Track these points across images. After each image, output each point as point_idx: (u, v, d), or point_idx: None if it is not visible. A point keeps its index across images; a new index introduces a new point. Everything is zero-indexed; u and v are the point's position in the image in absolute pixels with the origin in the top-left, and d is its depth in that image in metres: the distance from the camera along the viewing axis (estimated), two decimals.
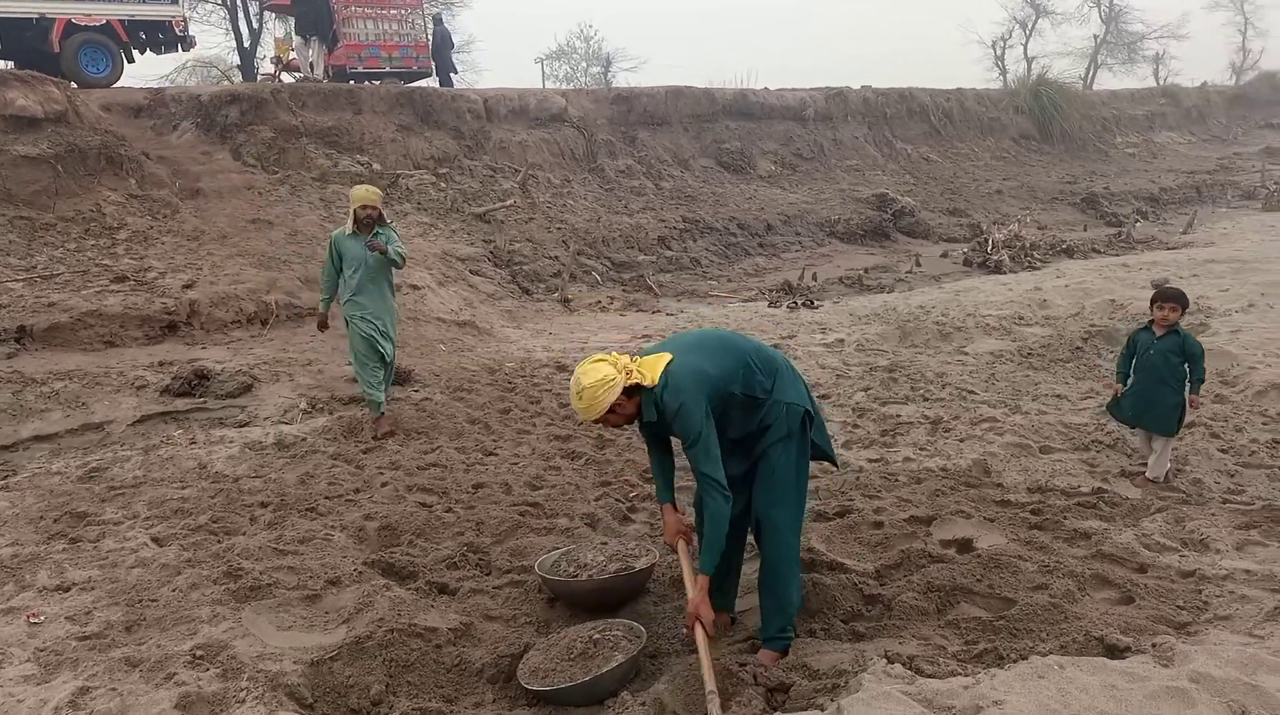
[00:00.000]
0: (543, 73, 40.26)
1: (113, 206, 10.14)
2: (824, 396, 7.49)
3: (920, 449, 6.13)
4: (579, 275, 13.38)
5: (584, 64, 43.05)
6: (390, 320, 6.93)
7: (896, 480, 5.54)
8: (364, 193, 6.74)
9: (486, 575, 4.42)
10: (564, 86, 33.14)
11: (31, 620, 3.81)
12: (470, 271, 12.34)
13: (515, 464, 6.07)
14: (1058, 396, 7.21)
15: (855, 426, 6.73)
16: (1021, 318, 9.93)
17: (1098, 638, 3.31)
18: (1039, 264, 14.81)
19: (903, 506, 5.02)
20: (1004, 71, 40.34)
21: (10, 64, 13.35)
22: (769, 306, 11.87)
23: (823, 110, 21.46)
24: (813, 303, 11.81)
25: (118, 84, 14.45)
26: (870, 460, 6.03)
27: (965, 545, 4.46)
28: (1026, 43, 40.90)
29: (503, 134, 16.05)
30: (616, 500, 5.35)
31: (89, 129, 10.79)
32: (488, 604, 4.06)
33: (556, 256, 13.52)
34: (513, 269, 12.96)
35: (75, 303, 8.43)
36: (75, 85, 12.14)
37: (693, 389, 3.27)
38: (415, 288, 10.82)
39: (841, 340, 9.39)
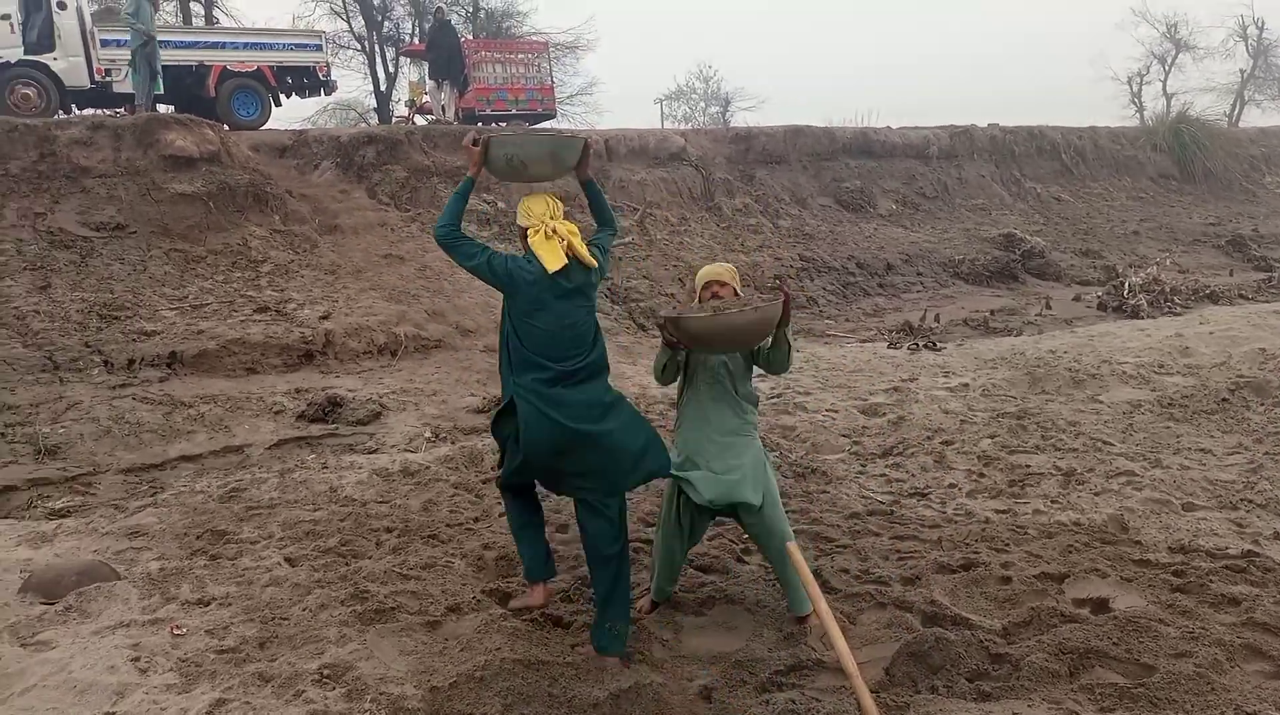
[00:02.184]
0: (661, 113, 40.95)
1: (258, 241, 10.78)
2: (947, 442, 7.26)
3: (1051, 501, 5.87)
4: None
5: (702, 104, 43.58)
6: None
7: (1026, 533, 5.31)
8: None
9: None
10: (682, 126, 33.58)
11: (175, 632, 4.03)
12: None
13: (630, 499, 6.09)
14: (1202, 450, 6.79)
15: (981, 475, 6.50)
16: (1161, 366, 9.42)
17: (1249, 713, 3.08)
18: (1180, 309, 14.04)
19: (1032, 561, 4.81)
20: (1141, 108, 38.73)
21: (171, 108, 14.42)
22: (889, 347, 11.62)
23: (947, 148, 21.03)
24: (935, 345, 11.51)
25: (265, 126, 15.43)
26: (997, 511, 5.81)
27: (1100, 605, 4.23)
28: (1166, 79, 39.16)
29: (622, 173, 16.33)
30: (730, 541, 5.30)
31: (239, 168, 11.53)
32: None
33: (673, 293, 13.61)
34: (629, 305, 13.11)
35: (222, 331, 8.96)
36: (227, 127, 13.01)
37: None
38: None
39: (966, 384, 9.10)
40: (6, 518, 5.97)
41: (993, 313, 14.21)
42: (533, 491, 4.31)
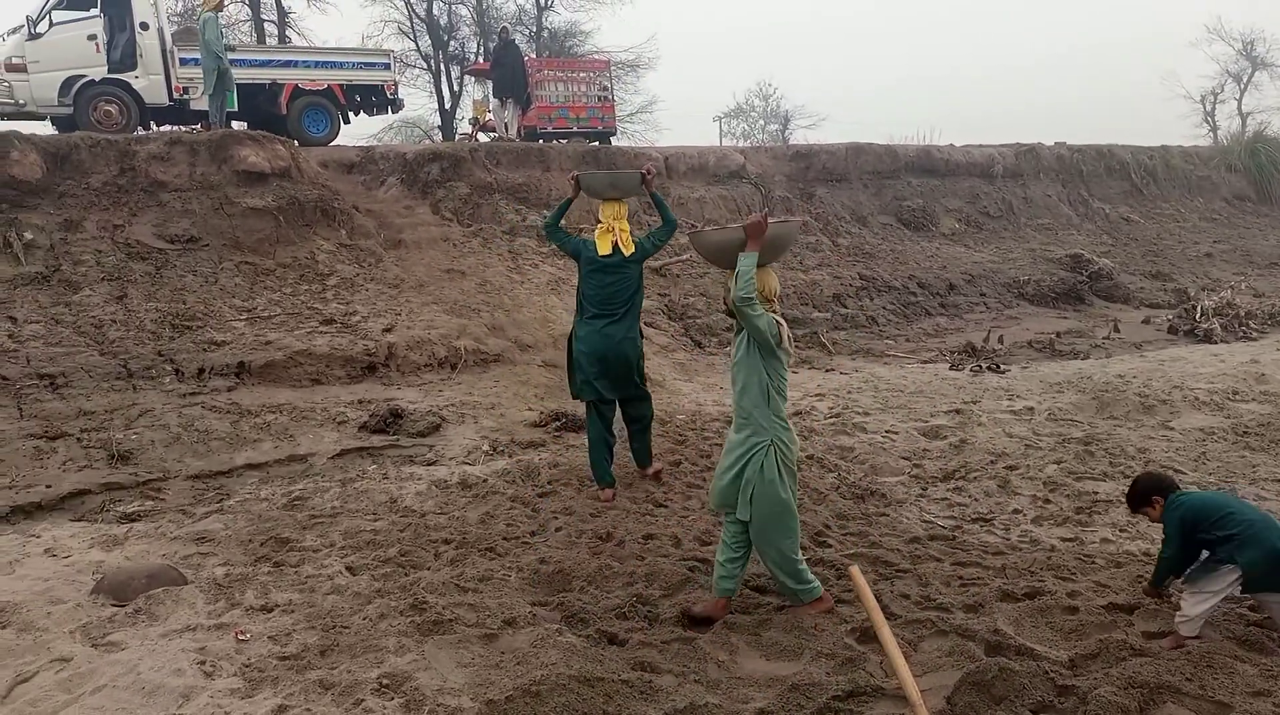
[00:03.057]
0: (720, 130, 40.97)
1: (325, 255, 11.02)
2: (1011, 467, 7.11)
3: (1120, 530, 5.70)
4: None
5: (761, 122, 43.50)
6: None
7: (1093, 562, 5.16)
8: None
9: (654, 627, 4.42)
10: (741, 144, 33.56)
11: (239, 637, 4.11)
12: (644, 323, 12.53)
13: (685, 517, 6.07)
14: (1279, 480, 6.55)
15: (1046, 502, 6.34)
16: (1236, 392, 9.11)
17: None
18: (1255, 334, 13.58)
19: (1100, 592, 4.66)
20: (1214, 128, 37.57)
21: (245, 124, 14.85)
22: (950, 369, 11.42)
23: (1012, 167, 20.68)
24: (999, 367, 11.28)
25: (334, 142, 15.80)
26: (1063, 539, 5.66)
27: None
28: (1241, 97, 38.01)
29: (681, 190, 16.36)
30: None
31: (308, 183, 11.81)
32: (656, 657, 4.05)
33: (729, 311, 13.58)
34: (686, 322, 13.10)
35: (289, 342, 9.17)
36: (298, 144, 13.34)
37: None
38: None
39: (1031, 408, 8.91)
40: (80, 520, 6.18)
41: (1058, 335, 13.89)
42: (607, 413, 6.63)
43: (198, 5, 24.18)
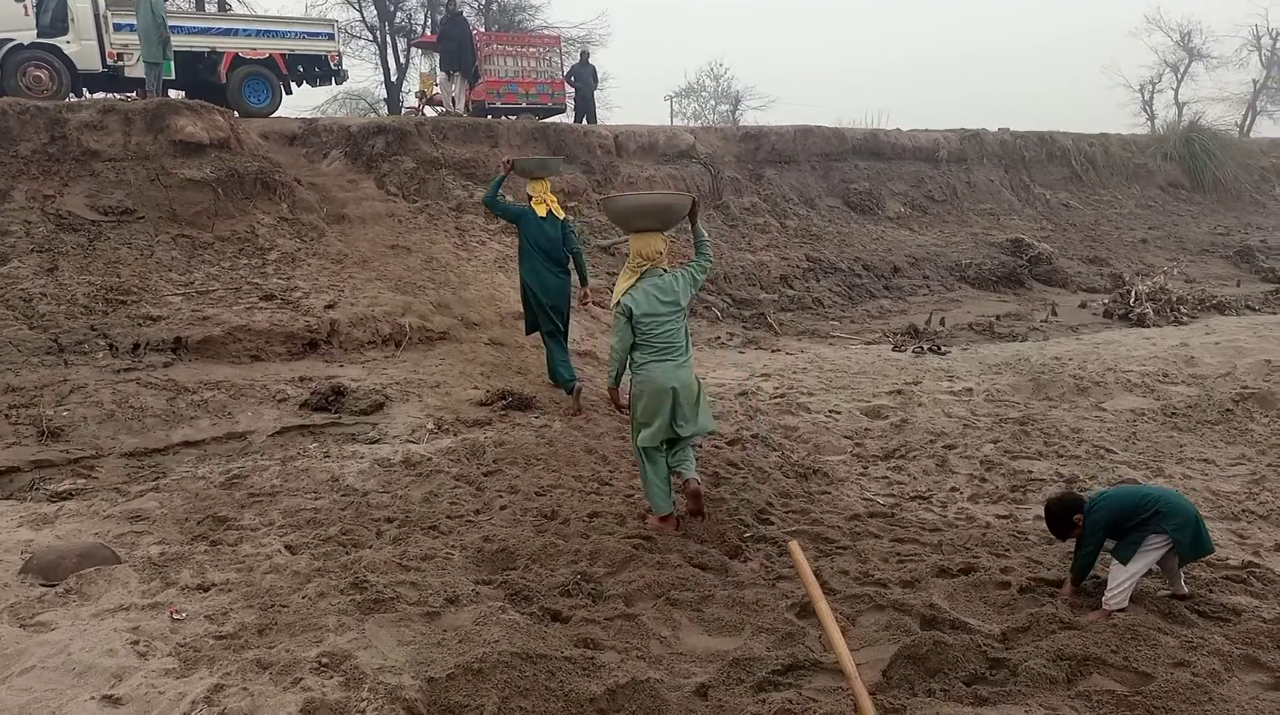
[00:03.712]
0: (671, 110, 40.89)
1: (265, 228, 10.77)
2: (949, 447, 7.26)
3: None
4: (699, 310, 13.41)
5: (712, 102, 43.48)
6: None
7: (1026, 539, 5.31)
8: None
9: (598, 604, 4.44)
10: (691, 124, 33.52)
11: (174, 616, 4.04)
12: (593, 302, 12.53)
13: (630, 496, 6.10)
14: (1205, 461, 6.79)
15: (983, 480, 6.50)
16: (1166, 375, 9.40)
17: None
18: (1186, 319, 14.02)
19: (1032, 567, 4.81)
20: (1152, 117, 38.52)
21: (182, 93, 14.42)
22: (893, 350, 11.61)
23: (956, 152, 20.99)
24: (940, 349, 11.49)
25: (276, 114, 15.42)
26: (998, 516, 5.81)
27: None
28: (1178, 87, 38.97)
29: (631, 169, 16.31)
30: (735, 540, 5.30)
31: (248, 155, 11.52)
32: (599, 634, 4.07)
33: None
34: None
35: (227, 317, 8.96)
36: (238, 114, 13.00)
37: None
38: None
39: (970, 389, 9.10)
40: (9, 499, 6.00)
41: (998, 318, 14.19)
42: (560, 341, 8.72)
43: None
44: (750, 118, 36.76)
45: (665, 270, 5.42)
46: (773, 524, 5.57)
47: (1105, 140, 24.15)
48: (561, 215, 8.56)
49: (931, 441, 7.42)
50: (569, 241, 8.57)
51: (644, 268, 5.35)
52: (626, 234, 5.59)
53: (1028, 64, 77.77)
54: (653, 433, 5.38)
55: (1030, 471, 6.63)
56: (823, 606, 3.28)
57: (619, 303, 5.37)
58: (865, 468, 6.88)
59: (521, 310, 9.07)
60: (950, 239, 18.29)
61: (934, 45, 79.40)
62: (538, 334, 8.85)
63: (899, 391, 9.00)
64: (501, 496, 6.01)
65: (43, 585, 4.40)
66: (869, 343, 12.46)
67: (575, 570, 4.75)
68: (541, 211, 8.43)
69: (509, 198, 10.49)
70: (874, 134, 20.27)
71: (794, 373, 10.12)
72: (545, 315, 8.47)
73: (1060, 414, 8.09)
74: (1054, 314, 14.42)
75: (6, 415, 7.03)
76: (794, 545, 3.62)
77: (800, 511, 5.82)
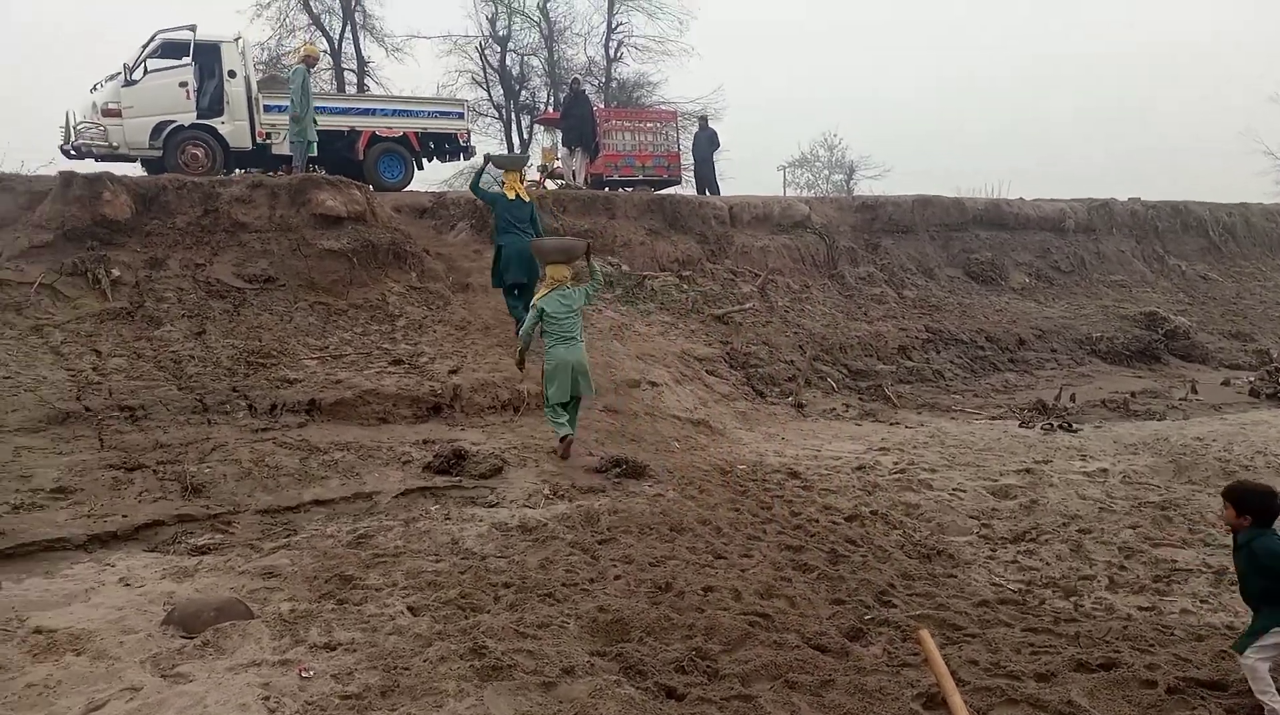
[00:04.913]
0: (784, 180, 41.11)
1: (395, 297, 11.27)
2: (1084, 531, 6.88)
3: (1201, 601, 5.46)
4: (814, 381, 13.25)
5: (826, 172, 43.54)
6: None
7: (1172, 634, 4.95)
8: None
9: (714, 683, 4.35)
10: (805, 193, 33.60)
11: (302, 674, 4.15)
12: (706, 371, 12.55)
13: (745, 571, 5.99)
14: None
15: (1122, 568, 6.11)
16: None
17: None
18: None
19: (1181, 666, 4.47)
20: None
21: (322, 169, 15.35)
22: (1020, 426, 11.16)
23: (1084, 222, 20.34)
24: (1071, 426, 10.99)
25: (408, 188, 16.23)
26: (1140, 608, 5.44)
27: None
28: None
29: (745, 239, 16.41)
30: (855, 623, 5.13)
31: (381, 227, 12.14)
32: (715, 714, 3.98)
33: (792, 361, 13.49)
34: (748, 371, 13.04)
35: (358, 381, 9.36)
36: (373, 189, 13.73)
37: None
38: (654, 384, 11.14)
39: (1105, 470, 8.64)
40: (153, 551, 6.32)
41: (1133, 395, 13.49)
42: (521, 297, 10.63)
43: (285, 56, 25.25)
44: (864, 187, 36.62)
45: (570, 287, 8.69)
46: (895, 606, 5.37)
47: (1245, 210, 23.01)
48: (528, 199, 10.95)
49: (1064, 525, 7.05)
50: (535, 221, 10.94)
51: (554, 286, 8.63)
52: (545, 266, 8.92)
53: (1154, 129, 75.11)
54: (555, 391, 8.59)
55: (1174, 561, 6.21)
56: (956, 700, 3.13)
57: (535, 304, 8.67)
58: (993, 550, 6.58)
59: None
60: (1079, 311, 17.62)
61: (1048, 113, 77.40)
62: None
63: (1028, 470, 8.62)
64: (616, 566, 6.00)
65: (182, 637, 4.60)
66: (994, 418, 12.01)
67: (690, 646, 4.68)
68: (511, 195, 10.77)
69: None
70: (996, 204, 19.87)
71: (914, 447, 9.83)
72: (511, 270, 10.67)
73: (1205, 499, 7.58)
74: (1194, 392, 13.63)
75: (154, 471, 7.47)
76: (924, 633, 3.48)
77: (924, 595, 5.59)
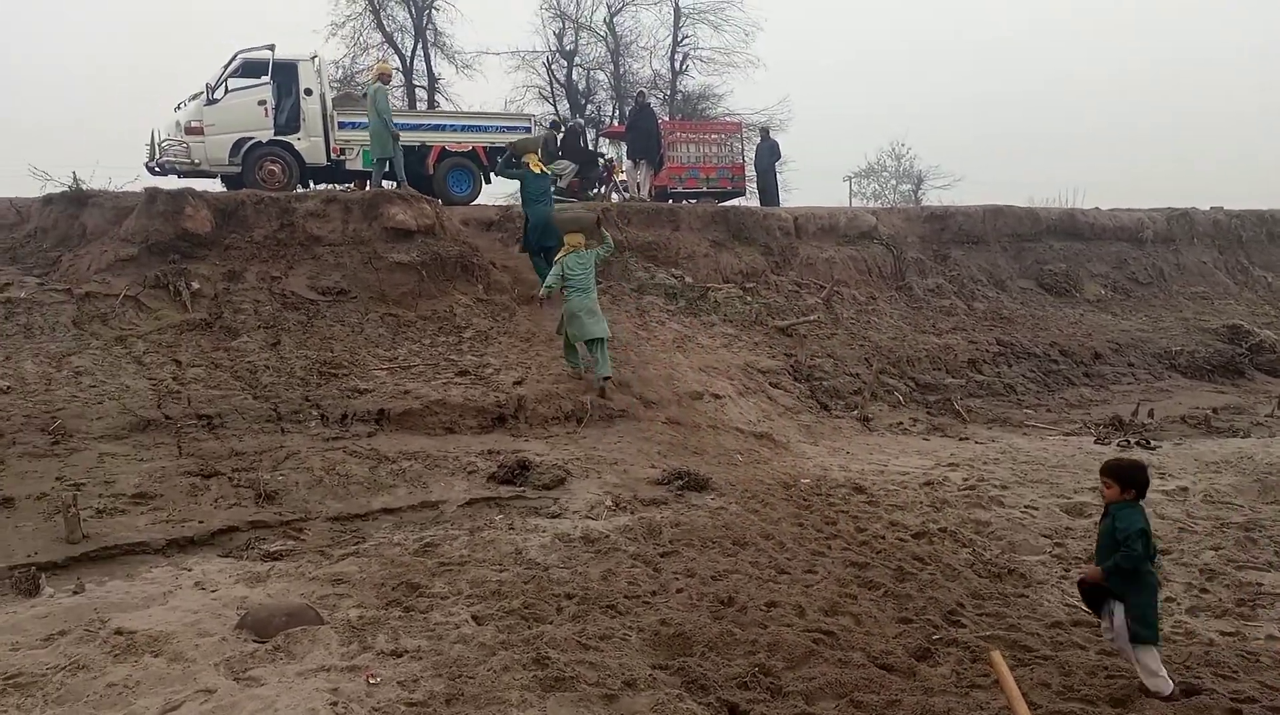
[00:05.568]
0: (850, 190, 40.63)
1: (463, 308, 11.45)
2: (1163, 552, 6.63)
3: None
4: (880, 394, 13.05)
5: (893, 182, 42.90)
6: None
7: (1258, 661, 4.75)
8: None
9: (777, 700, 4.30)
10: (872, 204, 33.20)
11: (370, 680, 4.23)
12: (770, 384, 12.46)
13: (809, 587, 5.92)
14: None
15: (1203, 591, 5.89)
16: None
17: None
18: None
19: (1268, 694, 4.29)
20: None
21: (394, 184, 15.67)
22: (1095, 443, 10.83)
23: (1163, 232, 19.72)
24: (1149, 443, 10.63)
25: (476, 202, 16.47)
26: (1222, 633, 5.24)
27: None
28: None
29: (810, 250, 16.27)
30: (922, 642, 5.03)
31: (450, 240, 12.36)
32: None
33: (858, 374, 13.31)
34: (812, 384, 12.91)
35: (426, 392, 9.51)
36: (442, 203, 13.97)
37: None
38: (717, 397, 11.10)
39: (1184, 488, 8.34)
40: (228, 556, 6.50)
41: (1215, 411, 13.00)
42: (547, 256, 11.80)
43: (359, 74, 25.89)
44: (933, 197, 35.99)
45: (584, 250, 10.74)
46: (964, 626, 5.25)
47: None
48: (544, 171, 12.53)
49: None
50: (549, 191, 12.80)
51: (571, 249, 10.67)
52: (564, 234, 11.15)
53: (1231, 138, 72.38)
54: (574, 331, 10.42)
55: (1260, 584, 5.96)
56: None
57: (557, 261, 10.76)
58: (1067, 570, 6.38)
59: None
60: (1157, 324, 17.08)
61: (1125, 120, 74.89)
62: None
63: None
64: (678, 579, 5.98)
65: (255, 641, 4.72)
66: (1068, 434, 11.69)
67: (753, 662, 4.64)
68: (536, 170, 12.15)
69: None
70: (1071, 214, 19.40)
71: (984, 463, 9.62)
72: (540, 235, 12.09)
73: None
74: None
75: (230, 478, 7.69)
76: (996, 655, 3.39)
77: (994, 615, 5.45)
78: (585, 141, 20.10)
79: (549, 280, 10.68)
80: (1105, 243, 19.13)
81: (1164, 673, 4.23)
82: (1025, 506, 7.88)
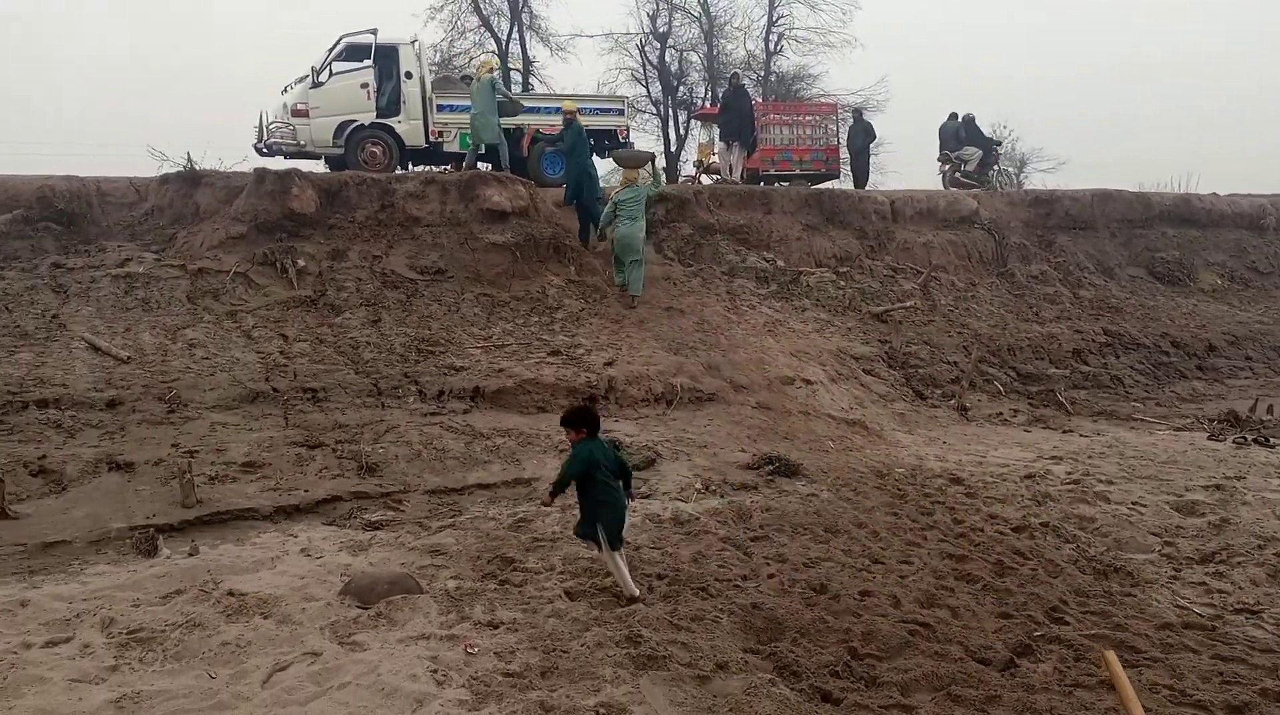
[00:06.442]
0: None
1: (555, 289, 11.57)
2: None
3: None
4: (979, 383, 12.68)
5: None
6: None
7: None
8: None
9: (871, 690, 4.25)
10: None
11: (469, 650, 4.33)
12: (863, 370, 12.24)
13: (904, 577, 5.81)
14: None
15: None
16: None
17: None
18: None
19: None
20: None
21: (489, 166, 15.89)
22: (1209, 439, 10.32)
23: None
24: (1268, 440, 10.08)
25: None
26: None
27: None
28: None
29: (907, 235, 15.90)
30: (1023, 638, 4.89)
31: (543, 222, 12.48)
32: None
33: (955, 362, 12.97)
34: (907, 371, 12.64)
35: (519, 370, 9.65)
36: (536, 185, 14.11)
37: None
38: (808, 382, 10.96)
39: None
40: (332, 525, 6.74)
41: None
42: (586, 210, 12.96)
43: (456, 57, 26.29)
44: (1037, 180, 34.70)
45: (637, 185, 12.01)
46: (1067, 624, 5.08)
47: None
48: (637, 183, 12.69)
49: (1260, 547, 6.48)
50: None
51: (626, 184, 11.96)
52: (623, 170, 12.84)
53: None
54: (621, 248, 11.82)
55: None
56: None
57: (611, 198, 12.06)
58: (1177, 570, 6.12)
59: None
60: (1279, 317, 16.16)
61: (1245, 100, 70.41)
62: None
63: (1218, 486, 7.98)
64: (769, 564, 5.94)
65: (358, 607, 4.88)
66: (1179, 429, 11.17)
67: (846, 650, 4.58)
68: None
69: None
70: (1185, 199, 18.48)
71: (1089, 457, 9.27)
72: (577, 187, 12.85)
73: None
74: None
75: (334, 449, 7.95)
76: (1111, 655, 3.26)
77: (1099, 613, 5.27)
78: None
79: (605, 213, 12.05)
80: (1223, 230, 18.18)
81: None
82: (1133, 503, 7.57)
